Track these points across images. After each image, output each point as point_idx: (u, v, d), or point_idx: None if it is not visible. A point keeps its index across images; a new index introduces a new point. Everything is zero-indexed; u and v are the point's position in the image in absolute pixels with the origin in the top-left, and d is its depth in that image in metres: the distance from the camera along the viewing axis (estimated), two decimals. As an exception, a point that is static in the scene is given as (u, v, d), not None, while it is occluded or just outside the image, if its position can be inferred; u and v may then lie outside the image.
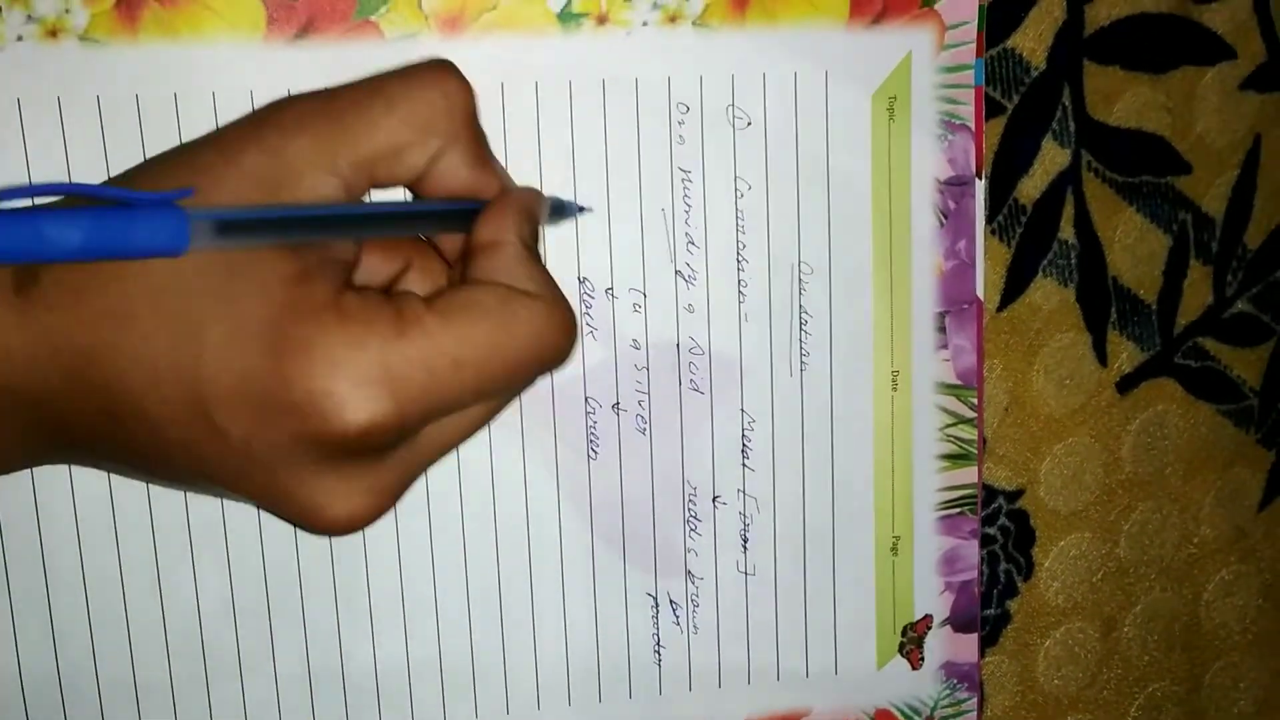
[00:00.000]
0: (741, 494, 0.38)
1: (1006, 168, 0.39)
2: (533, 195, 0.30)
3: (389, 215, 0.28)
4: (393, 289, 0.30)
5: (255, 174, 0.26)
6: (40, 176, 0.31)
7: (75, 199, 0.26)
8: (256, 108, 0.29)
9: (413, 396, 0.26)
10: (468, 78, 0.28)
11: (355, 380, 0.25)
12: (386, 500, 0.28)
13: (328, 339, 0.25)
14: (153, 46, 0.31)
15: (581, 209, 0.34)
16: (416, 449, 0.28)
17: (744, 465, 0.37)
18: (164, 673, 0.34)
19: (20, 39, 0.31)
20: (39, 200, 0.28)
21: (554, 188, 0.34)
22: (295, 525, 0.27)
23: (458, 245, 0.30)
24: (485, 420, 0.29)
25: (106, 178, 0.31)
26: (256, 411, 0.25)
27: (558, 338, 0.28)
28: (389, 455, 0.27)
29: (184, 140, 0.32)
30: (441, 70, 0.28)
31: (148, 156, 0.31)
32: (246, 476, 0.26)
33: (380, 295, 0.27)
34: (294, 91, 0.32)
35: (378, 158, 0.27)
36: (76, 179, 0.31)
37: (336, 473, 0.26)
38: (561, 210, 0.34)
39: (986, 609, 0.41)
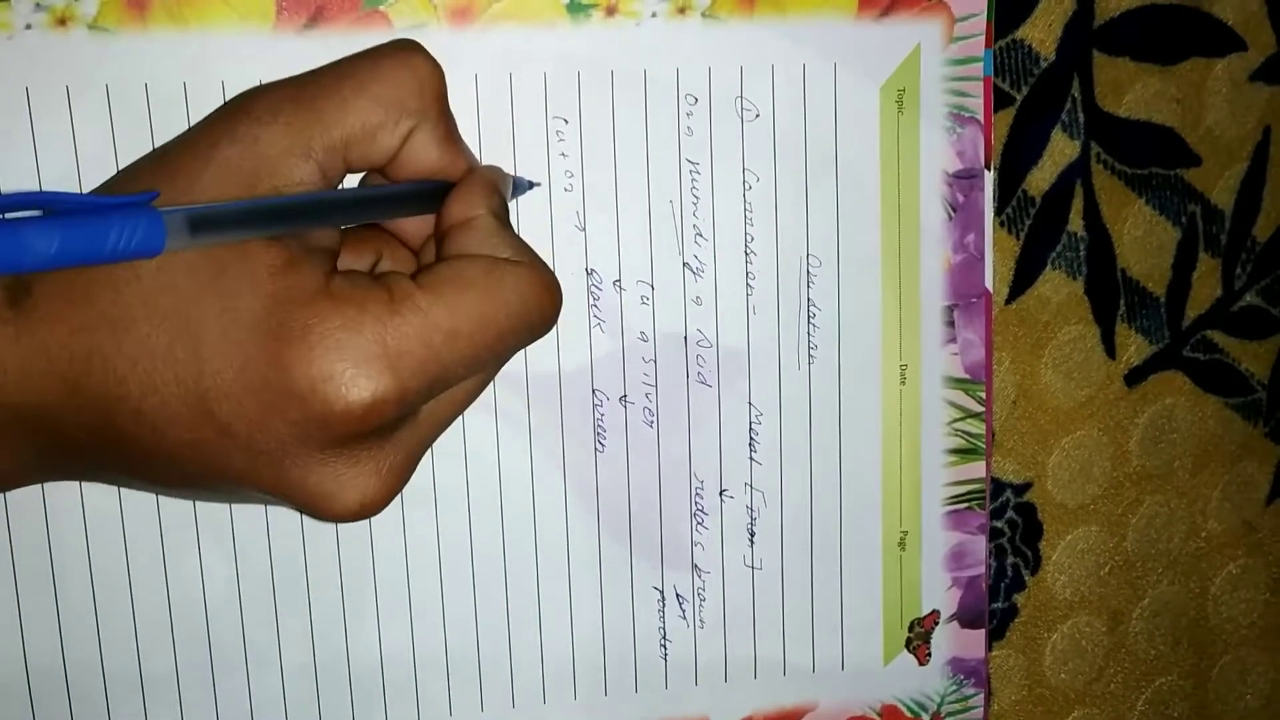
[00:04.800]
0: (749, 488, 0.38)
1: (1015, 159, 0.39)
2: (497, 171, 0.31)
3: (360, 200, 0.29)
4: None
5: (231, 166, 0.26)
6: (49, 165, 0.31)
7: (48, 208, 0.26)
8: (227, 100, 0.30)
9: (412, 372, 0.26)
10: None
11: (354, 361, 0.25)
12: (396, 482, 0.28)
13: (323, 324, 0.25)
14: (162, 35, 0.31)
15: (531, 184, 0.34)
16: (418, 427, 0.28)
17: (751, 459, 0.37)
18: (170, 664, 0.34)
19: (29, 27, 0.30)
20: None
21: (560, 179, 0.34)
22: (308, 515, 0.28)
23: (422, 234, 0.30)
24: (478, 392, 0.30)
25: (115, 167, 0.31)
26: (259, 403, 0.25)
27: (544, 300, 0.28)
28: (393, 436, 0.27)
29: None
30: (410, 50, 0.29)
31: (156, 145, 0.31)
32: (254, 472, 0.27)
33: (368, 276, 0.27)
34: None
35: (351, 140, 0.27)
36: (85, 168, 0.31)
37: (344, 458, 0.27)
38: (515, 187, 0.34)
39: (994, 602, 0.41)
